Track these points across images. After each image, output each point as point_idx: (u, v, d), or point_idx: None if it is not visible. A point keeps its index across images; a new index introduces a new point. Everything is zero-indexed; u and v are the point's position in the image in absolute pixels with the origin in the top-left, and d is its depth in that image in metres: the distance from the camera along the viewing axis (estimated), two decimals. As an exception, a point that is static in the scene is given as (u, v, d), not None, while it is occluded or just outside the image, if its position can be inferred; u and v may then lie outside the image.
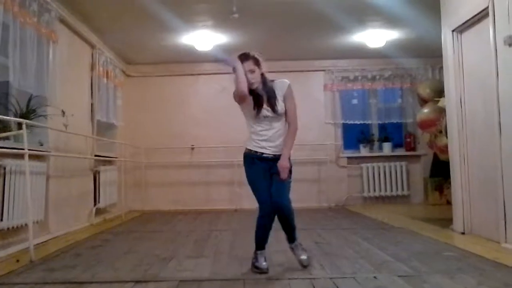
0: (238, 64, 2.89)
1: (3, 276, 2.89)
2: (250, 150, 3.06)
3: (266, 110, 2.96)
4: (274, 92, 2.98)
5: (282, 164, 2.94)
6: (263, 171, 3.01)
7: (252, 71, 2.91)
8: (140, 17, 5.42)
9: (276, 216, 3.01)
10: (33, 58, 4.10)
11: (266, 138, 2.99)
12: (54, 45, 4.49)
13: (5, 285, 2.65)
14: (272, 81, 3.04)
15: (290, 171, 3.00)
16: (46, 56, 4.35)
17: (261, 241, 3.03)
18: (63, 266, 3.19)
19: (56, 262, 3.33)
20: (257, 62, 2.94)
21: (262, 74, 2.98)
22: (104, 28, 5.76)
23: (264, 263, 2.95)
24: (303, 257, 3.02)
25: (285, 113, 3.01)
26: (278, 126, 3.00)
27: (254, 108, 2.97)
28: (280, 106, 2.97)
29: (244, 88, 2.87)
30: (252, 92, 2.94)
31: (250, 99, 2.96)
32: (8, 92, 4.22)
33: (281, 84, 3.02)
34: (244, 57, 2.93)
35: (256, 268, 2.95)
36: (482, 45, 3.89)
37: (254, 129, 3.04)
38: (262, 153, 3.00)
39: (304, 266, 2.99)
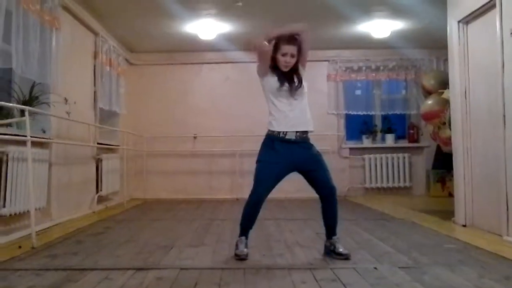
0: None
1: (5, 262, 2.91)
2: (272, 131, 2.98)
3: (288, 86, 2.94)
4: (300, 80, 2.99)
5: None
6: (280, 165, 2.94)
7: (293, 56, 2.92)
8: (143, 5, 5.39)
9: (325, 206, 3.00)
10: (36, 45, 4.08)
11: (289, 117, 2.93)
12: (57, 32, 4.47)
13: (7, 271, 2.67)
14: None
15: (319, 152, 3.01)
16: (49, 43, 4.33)
17: (245, 226, 3.06)
18: (65, 252, 3.21)
19: (58, 248, 3.35)
20: (299, 50, 2.94)
21: (296, 62, 2.97)
22: (108, 16, 5.72)
23: (244, 250, 2.97)
24: (345, 250, 2.97)
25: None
26: (295, 109, 2.95)
27: (278, 80, 2.94)
28: (296, 91, 2.95)
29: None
30: (280, 72, 2.95)
31: (273, 73, 2.96)
32: (11, 79, 4.22)
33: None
34: (292, 41, 2.93)
35: (236, 255, 2.97)
36: (488, 36, 3.85)
37: (275, 107, 2.97)
38: (285, 134, 2.93)
39: (343, 255, 2.94)
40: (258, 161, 3.02)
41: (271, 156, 2.97)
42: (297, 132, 2.94)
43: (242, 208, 3.09)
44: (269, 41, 2.91)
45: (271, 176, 2.97)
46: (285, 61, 2.93)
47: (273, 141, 2.97)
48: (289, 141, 2.93)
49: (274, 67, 2.99)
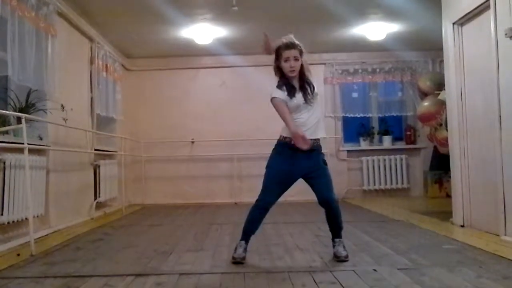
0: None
1: (4, 270, 2.89)
2: (284, 137, 3.00)
3: (298, 98, 2.95)
4: (311, 83, 3.02)
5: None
6: (288, 172, 2.95)
7: (296, 59, 2.94)
8: (139, 11, 5.40)
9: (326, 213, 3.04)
10: (32, 52, 4.08)
11: (304, 124, 2.94)
12: (53, 39, 4.47)
13: (7, 279, 2.66)
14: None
15: (325, 162, 3.03)
16: (45, 50, 4.33)
17: (247, 231, 3.06)
18: (64, 260, 3.19)
19: (57, 256, 3.34)
20: (301, 52, 2.98)
21: (302, 65, 2.99)
22: (103, 22, 5.73)
23: (242, 254, 2.97)
24: (343, 252, 2.99)
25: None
26: (311, 116, 2.98)
27: (288, 95, 2.96)
28: (312, 96, 2.98)
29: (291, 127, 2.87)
30: (288, 81, 2.97)
31: (283, 87, 2.97)
32: (7, 87, 4.22)
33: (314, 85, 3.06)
34: (291, 45, 2.96)
35: (232, 258, 2.98)
36: (483, 38, 3.87)
37: (292, 113, 2.97)
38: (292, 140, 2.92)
39: (338, 257, 2.97)
40: (267, 167, 3.04)
41: (280, 162, 2.98)
42: (310, 139, 2.92)
43: (247, 211, 3.10)
44: (268, 50, 2.99)
45: (278, 183, 2.98)
46: (290, 66, 2.94)
47: (283, 147, 2.99)
48: (299, 149, 2.89)
49: (282, 76, 2.99)
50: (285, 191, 3.03)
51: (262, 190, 3.01)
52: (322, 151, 3.09)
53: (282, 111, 2.91)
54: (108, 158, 6.29)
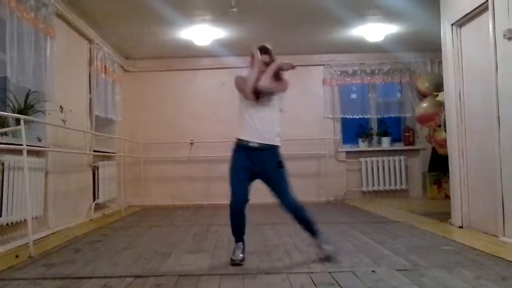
0: (258, 59, 3.07)
1: (2, 271, 2.89)
2: (238, 139, 3.12)
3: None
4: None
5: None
6: (244, 166, 3.04)
7: (267, 64, 3.08)
8: (138, 12, 5.40)
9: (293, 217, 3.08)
10: (31, 53, 4.08)
11: (255, 125, 3.04)
12: (52, 40, 4.47)
13: (5, 281, 2.66)
14: None
15: (282, 163, 3.05)
16: (44, 51, 4.33)
17: (236, 233, 3.11)
18: (63, 261, 3.19)
19: (56, 257, 3.34)
20: (272, 57, 3.14)
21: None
22: (102, 23, 5.73)
23: (240, 255, 3.01)
24: (327, 247, 3.04)
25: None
26: (269, 115, 3.06)
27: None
28: (267, 98, 3.08)
29: (251, 89, 3.01)
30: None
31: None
32: (6, 88, 4.22)
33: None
34: (264, 50, 3.12)
35: (231, 260, 3.00)
36: (482, 39, 3.88)
37: (244, 115, 3.09)
38: (248, 142, 3.04)
39: (327, 256, 3.00)
40: (229, 169, 3.13)
41: (239, 160, 3.08)
42: (261, 139, 3.04)
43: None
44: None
45: (243, 180, 3.05)
46: (261, 71, 3.05)
47: (238, 147, 3.11)
48: (252, 148, 3.04)
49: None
50: (250, 185, 3.07)
51: (230, 192, 3.06)
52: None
53: (243, 80, 3.05)
54: (107, 159, 6.29)
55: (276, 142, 3.09)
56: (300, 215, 3.07)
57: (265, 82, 3.00)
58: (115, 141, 6.70)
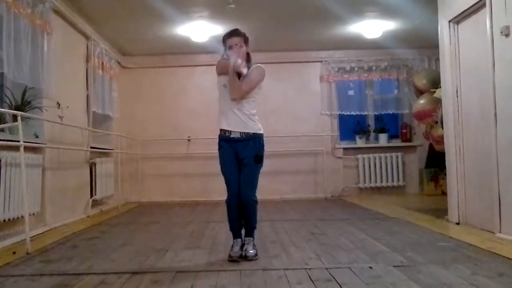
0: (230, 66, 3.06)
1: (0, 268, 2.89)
2: (220, 130, 3.19)
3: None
4: (251, 71, 3.11)
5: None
6: (231, 159, 3.09)
7: (239, 46, 3.06)
8: (135, 8, 5.38)
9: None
10: (28, 49, 4.06)
11: (234, 116, 3.08)
12: (49, 36, 4.45)
13: (2, 277, 2.66)
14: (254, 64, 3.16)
15: (261, 158, 3.07)
16: (41, 47, 4.31)
17: (233, 229, 3.13)
18: (60, 257, 3.19)
19: (53, 254, 3.34)
20: (245, 40, 3.10)
21: (248, 54, 3.12)
22: (99, 19, 5.71)
23: (237, 252, 3.01)
24: (251, 251, 3.01)
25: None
26: (247, 105, 3.09)
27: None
28: None
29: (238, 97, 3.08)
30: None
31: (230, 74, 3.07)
32: (2, 84, 4.20)
33: (255, 66, 3.14)
34: (233, 33, 3.10)
35: (229, 256, 3.01)
36: (479, 35, 3.89)
37: (223, 105, 3.17)
38: (230, 133, 3.09)
39: (247, 257, 2.99)
40: (220, 166, 3.18)
41: (226, 154, 3.15)
42: (241, 130, 3.08)
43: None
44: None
45: (231, 176, 3.08)
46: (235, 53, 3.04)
47: (221, 140, 3.21)
48: (233, 140, 3.09)
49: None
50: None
51: (227, 189, 3.09)
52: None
53: (223, 63, 3.08)
54: (104, 156, 6.28)
55: (257, 130, 3.10)
56: (248, 212, 3.08)
57: (246, 87, 3.04)
58: (112, 138, 6.69)
